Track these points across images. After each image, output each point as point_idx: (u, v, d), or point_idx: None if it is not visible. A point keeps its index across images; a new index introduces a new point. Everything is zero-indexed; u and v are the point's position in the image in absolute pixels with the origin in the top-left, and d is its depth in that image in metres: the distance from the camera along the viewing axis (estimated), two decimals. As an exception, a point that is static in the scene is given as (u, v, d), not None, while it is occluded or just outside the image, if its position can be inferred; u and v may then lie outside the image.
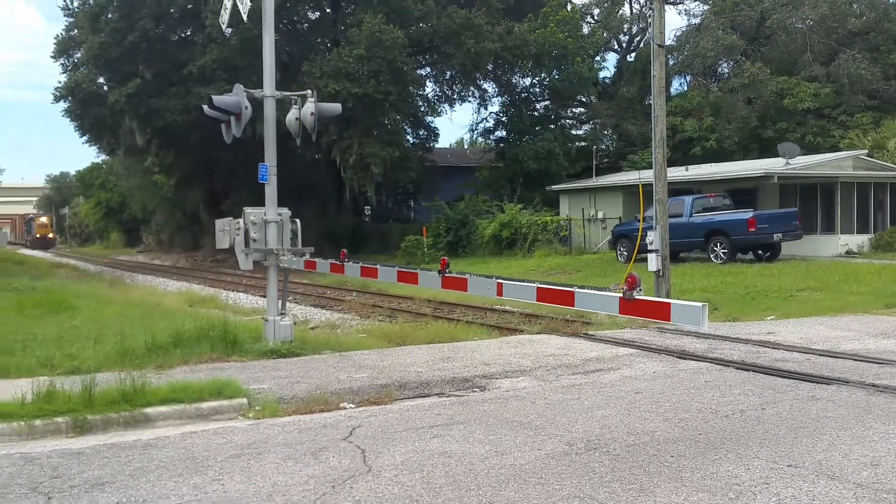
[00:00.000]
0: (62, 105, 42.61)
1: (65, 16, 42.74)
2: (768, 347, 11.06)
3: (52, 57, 43.64)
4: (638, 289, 6.25)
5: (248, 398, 8.14)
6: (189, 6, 38.03)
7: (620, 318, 13.42)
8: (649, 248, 14.91)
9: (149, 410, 7.68)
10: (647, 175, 20.01)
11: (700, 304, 6.02)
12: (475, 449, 6.36)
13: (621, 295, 6.36)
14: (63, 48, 43.09)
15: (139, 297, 22.48)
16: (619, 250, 27.23)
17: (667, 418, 7.26)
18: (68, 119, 43.50)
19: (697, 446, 6.38)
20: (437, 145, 47.37)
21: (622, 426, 6.99)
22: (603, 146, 44.62)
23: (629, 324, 13.24)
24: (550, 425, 7.05)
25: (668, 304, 6.25)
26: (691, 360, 10.32)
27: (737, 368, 9.65)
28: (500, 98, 44.75)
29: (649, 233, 14.99)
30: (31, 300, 18.59)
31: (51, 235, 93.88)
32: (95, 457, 6.39)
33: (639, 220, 19.67)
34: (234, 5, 11.86)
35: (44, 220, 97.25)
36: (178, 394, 8.00)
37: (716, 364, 9.96)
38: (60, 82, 42.32)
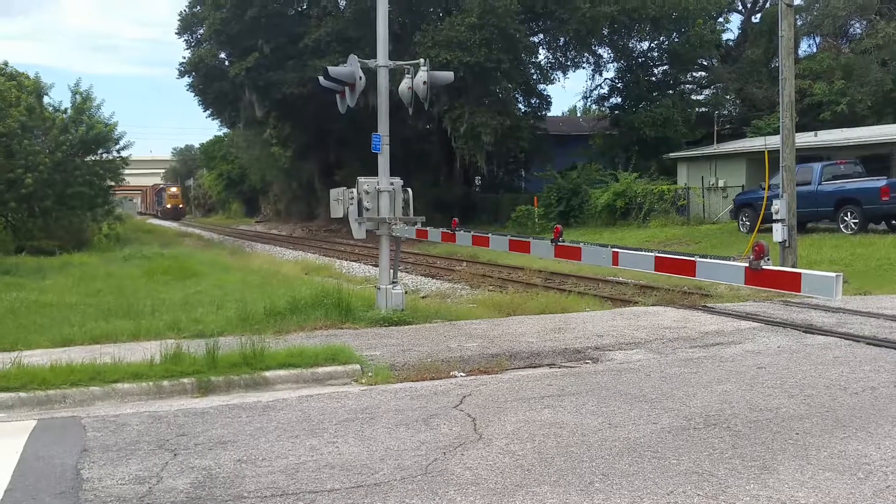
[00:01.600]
0: (186, 80, 44.55)
1: (188, -8, 44.44)
2: (904, 323, 10.42)
3: (176, 34, 45.55)
4: (766, 258, 5.96)
5: (361, 364, 8.32)
6: (305, -21, 38.87)
7: (742, 290, 12.98)
8: (774, 217, 14.27)
9: (268, 374, 7.98)
10: (772, 141, 19.13)
11: (833, 275, 5.70)
12: (588, 420, 6.27)
13: (747, 265, 6.08)
14: (186, 25, 44.85)
15: (258, 265, 23.35)
16: (742, 220, 26.22)
17: (792, 395, 6.96)
18: (192, 93, 45.44)
19: (824, 424, 6.10)
20: (549, 113, 46.78)
21: (743, 402, 6.74)
22: (725, 112, 42.85)
23: (751, 296, 12.77)
24: (667, 399, 6.87)
25: (798, 273, 5.94)
26: (819, 334, 9.85)
27: (868, 344, 9.15)
28: (615, 64, 43.68)
29: (775, 201, 14.33)
30: (159, 267, 19.65)
31: (181, 205, 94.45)
32: (218, 417, 6.67)
33: (763, 189, 18.86)
34: (348, -25, 11.96)
35: (174, 190, 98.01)
36: (295, 358, 8.28)
37: (845, 339, 9.47)
38: (184, 58, 44.18)
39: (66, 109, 30.92)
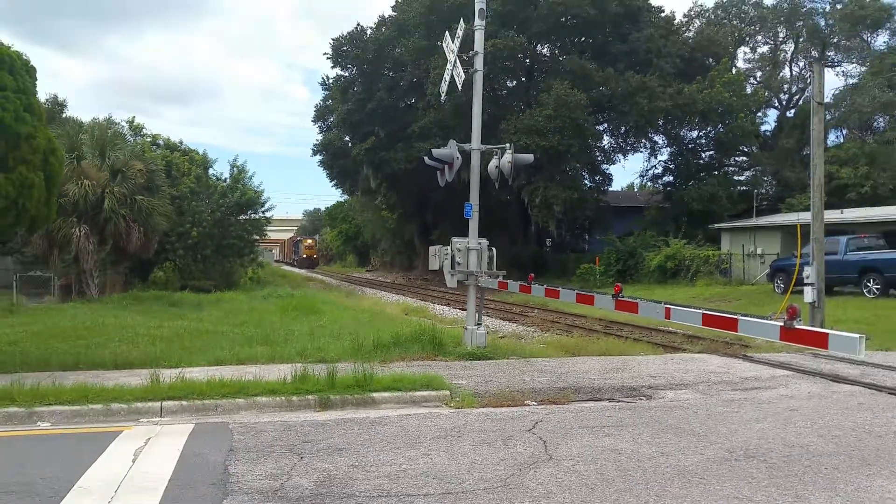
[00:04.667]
0: (318, 158, 46.27)
1: (322, 90, 46.45)
2: (927, 378, 9.72)
3: (312, 121, 47.54)
4: (798, 319, 5.75)
5: (451, 391, 8.32)
6: (414, 80, 39.96)
7: (777, 343, 12.41)
8: (805, 281, 13.65)
9: (375, 395, 8.06)
10: (804, 217, 18.38)
11: (857, 336, 5.45)
12: (642, 449, 6.10)
13: (782, 324, 5.87)
14: (320, 114, 46.80)
15: (367, 306, 23.69)
16: (777, 283, 25.22)
17: (821, 434, 6.60)
18: (322, 168, 47.10)
19: (851, 461, 5.76)
20: (610, 188, 46.28)
21: (778, 439, 6.43)
22: (763, 190, 41.48)
23: (785, 348, 12.17)
24: (711, 433, 6.62)
25: (826, 333, 5.69)
26: (845, 383, 9.33)
27: (889, 393, 8.61)
28: (668, 148, 43.00)
29: (806, 268, 13.73)
30: (290, 304, 20.17)
31: (315, 256, 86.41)
32: (335, 428, 6.78)
33: (796, 257, 18.12)
34: (452, 79, 12.31)
35: (310, 241, 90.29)
36: (397, 383, 8.35)
37: (869, 388, 8.94)
38: (317, 140, 45.97)
39: (225, 179, 32.52)
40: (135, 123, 32.41)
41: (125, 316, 16.41)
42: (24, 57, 10.63)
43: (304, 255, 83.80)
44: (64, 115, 39.41)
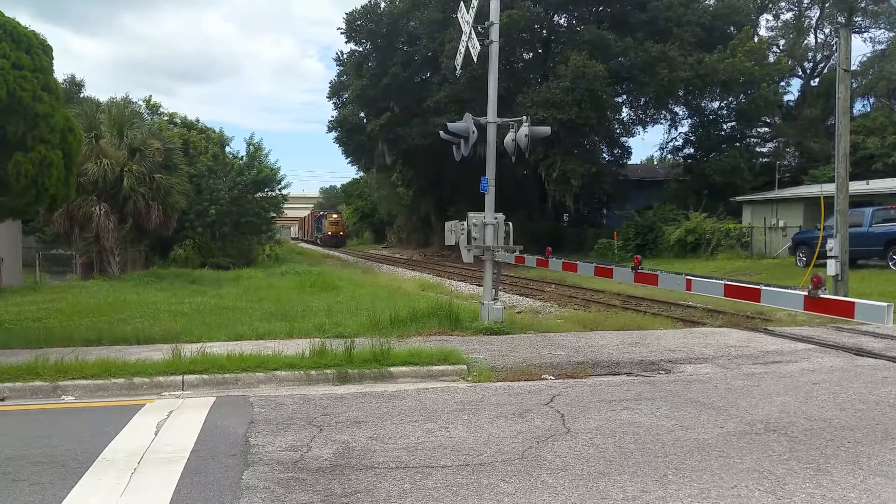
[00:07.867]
0: (333, 134, 46.27)
1: (337, 65, 46.27)
2: (953, 351, 9.59)
3: (327, 97, 47.47)
4: (822, 288, 5.67)
5: (468, 365, 8.34)
6: (429, 54, 39.66)
7: (799, 316, 12.29)
8: (829, 254, 13.47)
9: (392, 369, 8.11)
10: (828, 188, 18.09)
11: (885, 304, 5.36)
12: (661, 422, 6.08)
13: (806, 293, 5.79)
14: (335, 91, 46.68)
15: (384, 282, 23.77)
16: (799, 256, 24.92)
17: (843, 408, 6.54)
18: (337, 145, 47.12)
19: (874, 435, 5.69)
20: (629, 162, 45.87)
21: (800, 412, 6.38)
22: (785, 162, 40.93)
23: (807, 322, 12.07)
24: (731, 407, 6.58)
25: (853, 302, 5.61)
26: (868, 357, 9.22)
27: (917, 368, 8.49)
28: (689, 120, 42.48)
29: (829, 240, 13.54)
30: (307, 281, 20.31)
31: (342, 233, 72.68)
32: (354, 401, 6.84)
33: (818, 229, 17.87)
34: (467, 51, 12.17)
35: (335, 216, 74.03)
36: (414, 358, 8.39)
37: (893, 362, 8.81)
38: (332, 117, 45.95)
39: (242, 157, 32.64)
40: (152, 102, 32.57)
41: (146, 293, 16.61)
42: (41, 36, 10.69)
43: (329, 232, 71.65)
44: (82, 95, 39.67)
